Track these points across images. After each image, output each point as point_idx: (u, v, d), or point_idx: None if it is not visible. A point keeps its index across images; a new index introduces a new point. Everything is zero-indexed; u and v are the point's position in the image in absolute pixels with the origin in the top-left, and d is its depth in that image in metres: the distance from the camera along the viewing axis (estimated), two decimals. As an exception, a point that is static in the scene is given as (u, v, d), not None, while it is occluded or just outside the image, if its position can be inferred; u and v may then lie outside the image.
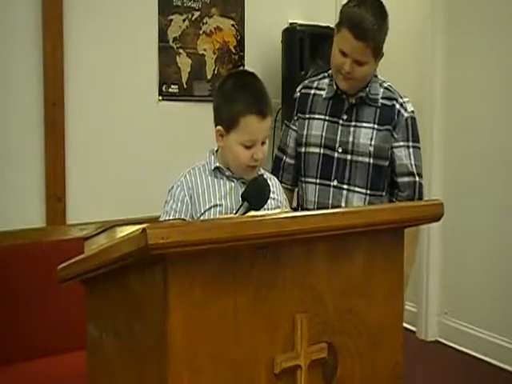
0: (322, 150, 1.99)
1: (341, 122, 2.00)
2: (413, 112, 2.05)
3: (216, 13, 3.41)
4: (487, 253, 3.54)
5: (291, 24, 3.53)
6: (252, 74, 1.74)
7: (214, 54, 3.42)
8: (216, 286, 1.11)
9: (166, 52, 3.27)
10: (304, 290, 1.23)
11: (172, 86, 3.30)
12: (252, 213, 1.56)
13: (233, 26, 3.47)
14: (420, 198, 2.02)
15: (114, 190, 3.10)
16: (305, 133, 2.03)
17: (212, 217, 1.64)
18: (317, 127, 2.01)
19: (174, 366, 1.07)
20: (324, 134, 2.00)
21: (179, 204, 1.67)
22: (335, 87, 2.02)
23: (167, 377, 1.07)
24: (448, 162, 3.80)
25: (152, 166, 3.20)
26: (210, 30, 3.40)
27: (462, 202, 3.64)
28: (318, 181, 1.99)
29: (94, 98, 3.06)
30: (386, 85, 2.08)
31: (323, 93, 2.05)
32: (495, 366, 3.41)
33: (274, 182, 1.80)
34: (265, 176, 1.76)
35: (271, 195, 1.72)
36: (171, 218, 1.67)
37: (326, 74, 2.11)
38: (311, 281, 1.24)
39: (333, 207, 1.93)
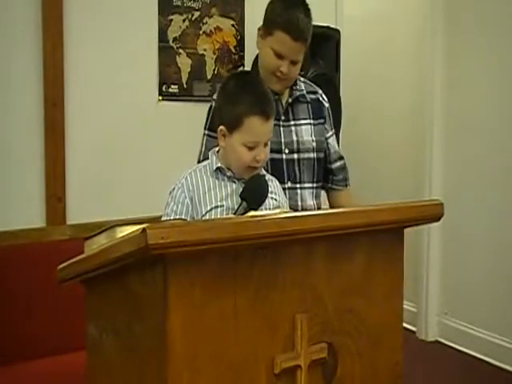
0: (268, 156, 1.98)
1: (281, 123, 1.99)
2: (327, 101, 2.14)
3: (216, 13, 3.41)
4: (487, 253, 3.54)
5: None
6: (254, 75, 1.74)
7: (214, 54, 3.42)
8: (216, 285, 1.11)
9: (166, 52, 3.27)
10: (304, 290, 1.23)
11: (172, 86, 3.30)
12: (252, 213, 1.56)
13: (233, 26, 3.47)
14: (348, 177, 2.18)
15: (114, 190, 3.10)
16: None
17: (213, 217, 1.64)
18: None
19: (174, 366, 1.07)
20: None
21: (179, 206, 1.67)
22: None
23: (167, 377, 1.07)
24: (448, 162, 3.80)
25: (152, 166, 3.20)
26: (210, 30, 3.40)
27: (462, 202, 3.64)
28: None
29: (93, 98, 3.05)
30: (302, 79, 2.11)
31: None
32: (495, 366, 3.41)
33: (274, 184, 1.80)
34: (266, 177, 1.76)
35: (272, 195, 1.72)
36: (172, 219, 1.66)
37: None
38: (311, 281, 1.24)
39: (291, 208, 1.91)
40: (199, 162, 2.00)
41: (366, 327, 1.32)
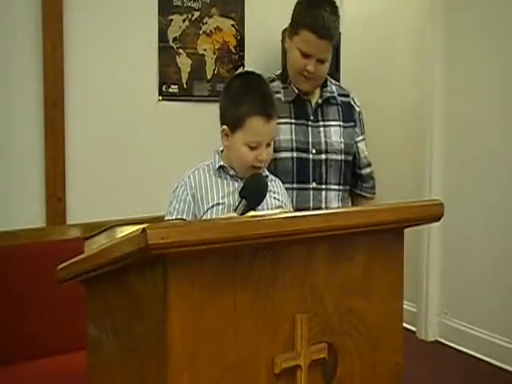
0: (294, 154, 1.96)
1: (309, 123, 2.00)
2: (360, 106, 2.14)
3: (216, 13, 3.41)
4: (487, 253, 3.54)
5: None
6: (259, 76, 1.75)
7: (214, 54, 3.42)
8: (216, 285, 1.11)
9: (166, 52, 3.27)
10: (304, 289, 1.23)
11: (172, 86, 3.30)
12: (252, 213, 1.56)
13: (233, 26, 3.47)
14: (375, 186, 2.18)
15: (113, 190, 3.10)
16: None
17: (214, 215, 1.65)
18: (285, 131, 1.97)
19: (174, 366, 1.07)
20: (294, 137, 1.97)
21: (181, 204, 1.68)
22: (296, 91, 2.00)
23: (167, 376, 1.07)
24: (448, 162, 3.80)
25: (152, 165, 3.20)
26: (210, 30, 3.40)
27: (462, 202, 3.64)
28: (295, 185, 1.95)
29: (93, 98, 3.06)
30: (334, 82, 2.12)
31: (280, 96, 2.01)
32: (495, 366, 3.41)
33: (277, 184, 1.80)
34: (269, 177, 1.77)
35: (274, 195, 1.73)
36: (174, 218, 1.67)
37: (273, 77, 2.08)
38: (311, 281, 1.24)
39: (314, 209, 1.91)
40: None
41: (366, 327, 1.32)
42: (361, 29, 4.41)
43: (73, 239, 2.74)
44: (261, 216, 1.18)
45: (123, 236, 1.07)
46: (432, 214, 1.41)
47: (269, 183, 1.72)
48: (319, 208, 1.94)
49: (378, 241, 1.34)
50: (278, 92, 2.01)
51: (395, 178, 4.21)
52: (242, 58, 3.51)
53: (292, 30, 1.94)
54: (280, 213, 1.30)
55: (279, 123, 1.98)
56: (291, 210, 1.81)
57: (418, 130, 3.97)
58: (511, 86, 3.40)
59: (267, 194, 1.67)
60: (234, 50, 3.49)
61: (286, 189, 1.92)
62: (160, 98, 3.27)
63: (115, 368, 1.28)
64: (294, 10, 1.96)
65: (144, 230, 0.98)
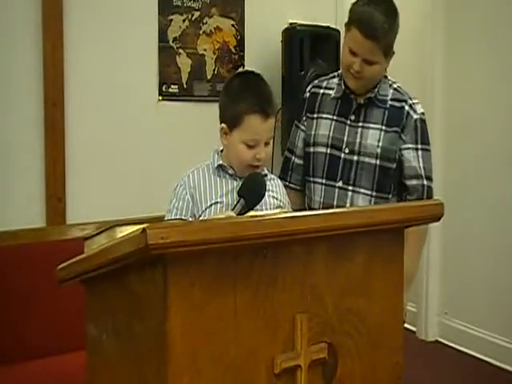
0: (328, 150, 1.98)
1: (348, 122, 1.98)
2: (423, 114, 2.02)
3: (216, 13, 3.41)
4: (487, 253, 3.54)
5: (291, 24, 3.53)
6: (258, 75, 1.75)
7: (214, 54, 3.42)
8: (216, 286, 1.11)
9: (166, 52, 3.27)
10: (304, 289, 1.22)
11: (172, 86, 3.30)
12: (252, 213, 1.56)
13: (233, 26, 3.47)
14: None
15: (113, 189, 3.10)
16: (313, 133, 2.03)
17: (212, 214, 1.65)
18: (324, 127, 2.00)
19: (174, 366, 1.07)
20: (331, 133, 1.99)
21: (180, 202, 1.69)
22: (344, 87, 2.00)
23: (167, 377, 1.07)
24: (448, 162, 3.80)
25: (152, 165, 3.20)
26: (210, 30, 3.40)
27: (462, 202, 3.64)
28: (324, 181, 1.98)
29: (93, 98, 3.06)
30: (395, 86, 2.04)
31: (332, 92, 2.04)
32: (495, 366, 3.41)
33: (276, 183, 1.80)
34: (268, 176, 1.77)
35: (273, 194, 1.73)
36: (173, 216, 1.68)
37: (336, 74, 2.09)
38: (311, 281, 1.23)
39: (337, 208, 1.90)
40: (287, 149, 2.14)
41: (366, 327, 1.32)
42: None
43: (73, 239, 2.74)
44: (261, 216, 1.18)
45: (123, 236, 1.07)
46: (432, 214, 1.40)
47: (267, 182, 1.72)
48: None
49: (378, 241, 1.34)
50: (331, 88, 2.04)
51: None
52: (242, 58, 3.51)
53: (346, 26, 1.93)
54: (280, 213, 1.30)
55: (322, 118, 2.02)
56: (290, 209, 1.81)
57: (418, 129, 3.97)
58: (511, 86, 3.40)
59: (265, 194, 1.67)
60: (233, 50, 3.49)
61: (316, 183, 1.95)
62: (160, 98, 3.27)
63: (115, 368, 1.28)
64: (350, 6, 1.95)
65: (144, 230, 0.98)
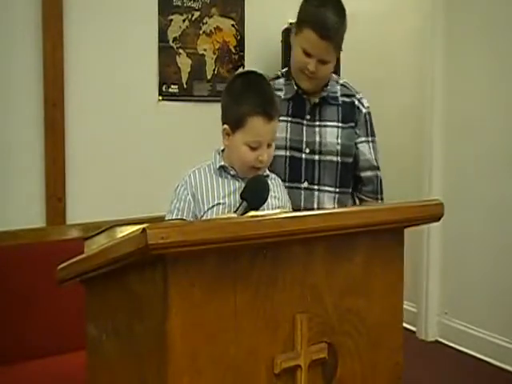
0: (288, 153, 1.95)
1: (305, 122, 1.98)
2: (368, 107, 2.07)
3: (216, 13, 3.41)
4: (487, 253, 3.54)
5: (291, 24, 3.52)
6: (260, 76, 1.74)
7: (214, 54, 3.42)
8: (216, 285, 1.11)
9: (166, 52, 3.27)
10: (304, 289, 1.23)
11: (172, 86, 3.30)
12: (252, 213, 1.56)
13: (233, 26, 3.47)
14: (382, 191, 2.11)
15: (113, 189, 3.10)
16: None
17: (214, 215, 1.64)
18: (281, 129, 1.94)
19: (174, 366, 1.07)
20: (289, 135, 1.96)
21: (182, 203, 1.68)
22: (295, 88, 1.98)
23: (167, 377, 1.07)
24: (448, 162, 3.80)
25: (152, 165, 3.20)
26: (210, 30, 3.40)
27: (462, 202, 3.64)
28: (287, 184, 1.93)
29: (93, 98, 3.06)
30: (341, 82, 2.08)
31: (281, 93, 2.00)
32: (495, 366, 3.41)
33: (276, 183, 1.80)
34: (269, 176, 1.76)
35: (274, 194, 1.72)
36: (174, 216, 1.67)
37: (279, 74, 2.08)
38: (311, 281, 1.24)
39: (305, 209, 1.90)
40: None
41: (366, 327, 1.32)
42: (361, 28, 4.40)
43: (73, 239, 2.74)
44: (261, 216, 1.18)
45: (123, 236, 1.07)
46: (432, 214, 1.40)
47: (269, 182, 1.72)
48: (311, 209, 1.91)
49: (378, 241, 1.34)
50: (279, 90, 2.01)
51: (395, 177, 4.20)
52: (242, 58, 3.51)
53: (297, 27, 1.93)
54: (280, 213, 1.30)
55: None
56: (291, 209, 1.80)
57: (418, 130, 3.97)
58: (511, 86, 3.40)
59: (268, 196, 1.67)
60: (234, 50, 3.49)
61: None
62: (160, 98, 3.27)
63: (115, 368, 1.28)
64: (300, 7, 1.95)
65: (144, 230, 0.98)
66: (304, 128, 1.97)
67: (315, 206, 1.95)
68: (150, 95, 3.24)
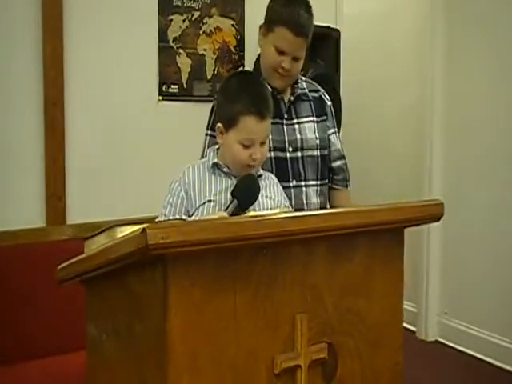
0: (272, 154, 1.96)
1: (284, 121, 2.00)
2: (329, 100, 2.15)
3: (216, 13, 3.41)
4: (487, 253, 3.54)
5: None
6: (254, 75, 1.77)
7: (214, 54, 3.42)
8: (216, 285, 1.11)
9: (166, 52, 3.27)
10: (304, 289, 1.23)
11: (172, 86, 3.30)
12: (252, 213, 1.56)
13: (233, 26, 3.47)
14: (349, 178, 2.17)
15: (113, 190, 3.10)
16: None
17: (205, 212, 1.65)
18: None
19: (174, 366, 1.07)
20: (270, 136, 1.92)
21: (175, 198, 1.70)
22: (270, 88, 1.96)
23: (167, 377, 1.07)
24: (448, 162, 3.80)
25: (152, 165, 3.20)
26: (210, 30, 3.40)
27: (462, 202, 3.64)
28: None
29: (93, 97, 3.06)
30: (304, 78, 2.13)
31: None
32: (495, 366, 3.41)
33: (271, 182, 1.80)
34: (263, 176, 1.77)
35: (266, 194, 1.72)
36: (167, 211, 1.69)
37: None
38: (311, 281, 1.24)
39: (296, 206, 1.93)
40: None
41: (366, 327, 1.32)
42: (360, 29, 4.41)
43: (73, 239, 2.74)
44: (261, 216, 1.18)
45: (123, 236, 1.07)
46: (432, 214, 1.41)
47: (262, 182, 1.73)
48: (301, 205, 1.95)
49: (378, 241, 1.34)
50: None
51: (395, 178, 4.21)
52: (242, 57, 3.51)
53: (267, 27, 1.95)
54: (280, 213, 1.30)
55: None
56: (288, 206, 1.81)
57: (417, 130, 3.97)
58: (511, 86, 3.40)
59: (259, 195, 1.67)
60: (234, 50, 3.49)
61: None
62: (160, 98, 3.27)
63: (115, 368, 1.28)
64: (268, 8, 1.97)
65: (144, 230, 0.98)
66: (284, 127, 2.00)
67: (304, 201, 1.98)
68: (150, 95, 3.24)
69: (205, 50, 3.39)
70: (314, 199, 2.01)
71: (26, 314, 2.55)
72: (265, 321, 1.17)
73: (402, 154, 4.21)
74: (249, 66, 3.46)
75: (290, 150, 1.98)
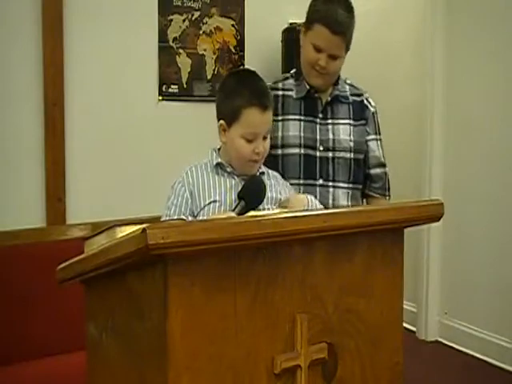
0: (302, 150, 1.98)
1: (318, 120, 2.01)
2: (375, 107, 2.14)
3: (216, 13, 3.41)
4: (487, 253, 3.54)
5: (291, 24, 3.53)
6: (252, 72, 1.77)
7: (214, 54, 3.42)
8: (216, 285, 1.11)
9: (166, 52, 3.27)
10: (304, 289, 1.23)
11: (172, 86, 3.30)
12: (252, 213, 1.56)
13: (233, 26, 3.47)
14: (389, 188, 2.15)
15: (113, 189, 3.10)
16: (280, 134, 2.02)
17: (211, 212, 1.66)
18: (293, 128, 2.00)
19: (174, 366, 1.07)
20: (302, 134, 1.99)
21: (179, 199, 1.69)
22: (307, 87, 2.02)
23: (167, 376, 1.07)
24: (448, 161, 3.80)
25: (152, 165, 3.20)
26: (210, 30, 3.40)
27: (462, 202, 3.64)
28: (301, 181, 1.97)
29: (93, 98, 3.06)
30: (349, 82, 2.14)
31: (292, 93, 2.05)
32: (495, 366, 3.41)
33: (273, 176, 1.81)
34: (265, 174, 1.77)
35: (274, 193, 1.73)
36: (171, 212, 1.68)
37: (288, 75, 2.12)
38: (311, 281, 1.24)
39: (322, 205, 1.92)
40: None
41: (366, 327, 1.32)
42: (360, 28, 4.40)
43: (73, 239, 2.74)
44: (261, 216, 1.18)
45: (123, 236, 1.07)
46: (432, 214, 1.41)
47: (266, 180, 1.73)
48: (326, 205, 1.95)
49: (378, 241, 1.34)
50: (290, 89, 2.05)
51: (395, 177, 4.19)
52: (242, 57, 3.51)
53: (306, 25, 1.98)
54: (280, 213, 1.30)
55: (289, 119, 2.02)
56: (292, 191, 1.82)
57: (417, 130, 3.97)
58: (511, 86, 3.40)
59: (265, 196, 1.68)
60: (233, 50, 3.49)
61: (293, 184, 1.94)
62: (160, 98, 3.27)
63: (115, 368, 1.28)
64: (309, 6, 2.00)
65: (144, 230, 0.98)
66: (317, 126, 2.01)
67: (330, 202, 1.99)
68: (150, 95, 3.24)
69: (205, 50, 3.39)
70: (344, 202, 2.00)
71: (26, 314, 2.55)
72: (265, 321, 1.17)
73: (401, 153, 4.21)
74: (249, 65, 3.45)
75: (321, 149, 1.99)
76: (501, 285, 3.45)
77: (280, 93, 2.07)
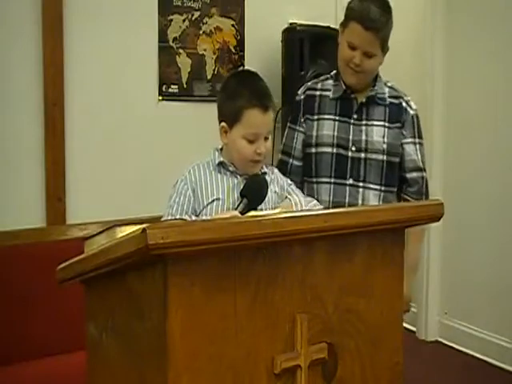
0: (334, 150, 2.00)
1: (352, 121, 2.03)
2: (416, 110, 2.12)
3: (216, 13, 3.41)
4: (487, 253, 3.54)
5: (291, 24, 3.53)
6: (253, 73, 1.78)
7: (214, 54, 3.42)
8: (216, 285, 1.11)
9: (166, 52, 3.27)
10: (304, 289, 1.23)
11: (172, 86, 3.30)
12: (252, 213, 1.57)
13: (233, 26, 3.47)
14: (427, 193, 2.10)
15: (114, 190, 3.10)
16: (314, 134, 2.05)
17: (214, 210, 1.67)
18: (328, 127, 2.03)
19: (174, 366, 1.07)
20: (336, 133, 2.02)
21: (182, 197, 1.70)
22: (344, 87, 2.04)
23: (167, 376, 1.07)
24: (448, 161, 3.80)
25: (152, 165, 3.20)
26: (210, 30, 3.40)
27: (462, 202, 3.64)
28: (332, 180, 2.00)
29: (94, 97, 3.06)
30: (389, 84, 2.14)
31: (329, 93, 2.07)
32: (495, 366, 3.41)
33: (273, 171, 1.82)
34: (267, 172, 1.78)
35: (275, 189, 1.75)
36: (174, 211, 1.69)
37: (328, 76, 2.14)
38: (311, 281, 1.24)
39: (350, 205, 1.95)
40: (282, 152, 2.14)
41: (366, 327, 1.32)
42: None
43: (73, 239, 2.74)
44: (261, 216, 1.18)
45: (123, 236, 1.07)
46: (432, 213, 1.41)
47: (267, 177, 1.74)
48: (355, 205, 1.97)
49: (378, 241, 1.34)
50: (328, 90, 2.08)
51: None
52: (242, 57, 3.51)
53: (343, 23, 2.00)
54: (280, 213, 1.30)
55: (324, 119, 2.05)
56: (295, 191, 1.82)
57: (417, 130, 3.97)
58: (511, 86, 3.40)
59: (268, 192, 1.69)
60: (233, 50, 3.49)
61: (323, 183, 1.99)
62: (160, 98, 3.27)
63: (115, 368, 1.28)
64: (346, 6, 2.01)
65: (144, 230, 0.98)
66: (351, 127, 2.02)
67: (359, 202, 2.00)
68: (150, 95, 3.24)
69: (205, 49, 3.39)
70: (373, 202, 2.00)
71: (26, 314, 2.55)
72: (265, 321, 1.17)
73: (402, 154, 4.21)
74: (249, 65, 3.46)
75: (353, 149, 2.00)
76: (501, 285, 3.45)
77: (317, 93, 2.09)
